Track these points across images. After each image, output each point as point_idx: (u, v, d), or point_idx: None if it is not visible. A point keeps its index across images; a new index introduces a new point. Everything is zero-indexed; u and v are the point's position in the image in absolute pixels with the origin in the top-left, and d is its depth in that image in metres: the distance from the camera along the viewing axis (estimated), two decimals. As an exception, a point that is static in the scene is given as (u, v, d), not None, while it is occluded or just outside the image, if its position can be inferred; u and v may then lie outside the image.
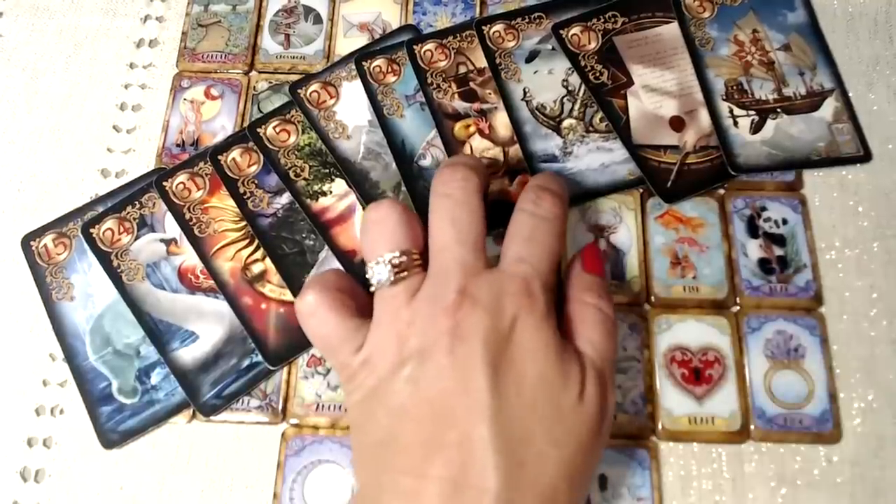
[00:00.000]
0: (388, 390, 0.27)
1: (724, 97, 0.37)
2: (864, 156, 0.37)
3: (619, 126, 0.37)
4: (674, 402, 0.33)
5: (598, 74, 0.38)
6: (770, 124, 0.37)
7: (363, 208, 0.36)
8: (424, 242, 0.30)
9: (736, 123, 0.37)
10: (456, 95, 0.38)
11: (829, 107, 0.37)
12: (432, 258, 0.29)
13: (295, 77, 0.39)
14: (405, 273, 0.28)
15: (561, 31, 0.39)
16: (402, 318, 0.28)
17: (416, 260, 0.29)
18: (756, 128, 0.37)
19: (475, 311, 0.27)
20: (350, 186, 0.36)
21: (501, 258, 0.29)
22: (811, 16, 0.39)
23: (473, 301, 0.27)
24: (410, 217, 0.29)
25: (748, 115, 0.37)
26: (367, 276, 0.29)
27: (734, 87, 0.38)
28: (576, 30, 0.39)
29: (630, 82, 0.38)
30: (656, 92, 0.37)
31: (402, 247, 0.29)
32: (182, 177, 0.37)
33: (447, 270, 0.28)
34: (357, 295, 0.30)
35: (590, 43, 0.38)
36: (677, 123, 0.37)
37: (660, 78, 0.38)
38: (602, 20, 0.39)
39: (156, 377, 0.34)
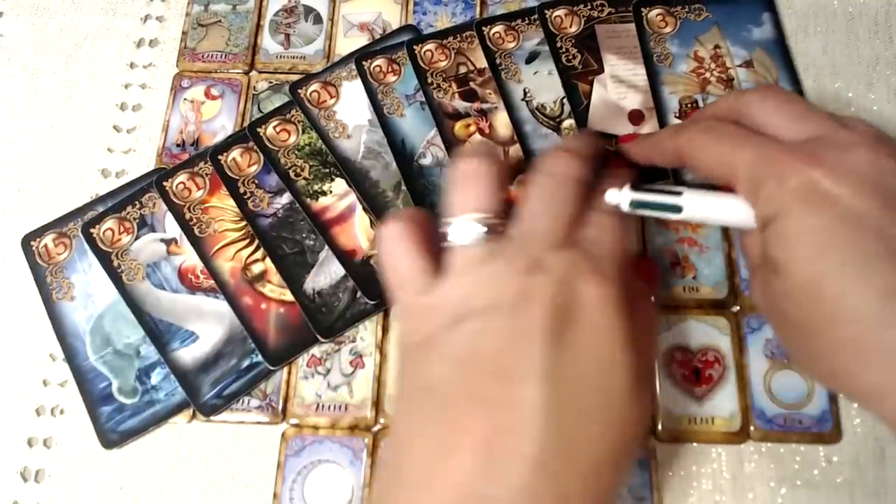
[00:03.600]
0: (446, 339, 0.27)
1: (678, 115, 0.37)
2: None
3: (578, 110, 0.37)
4: (674, 402, 0.33)
5: (570, 57, 0.38)
6: None
7: (363, 208, 0.36)
8: (506, 207, 0.30)
9: None
10: (456, 95, 0.38)
11: None
12: (518, 223, 0.29)
13: (295, 77, 0.39)
14: (488, 234, 0.28)
15: (546, 11, 0.39)
16: (475, 274, 0.28)
17: (500, 223, 0.29)
18: None
19: (547, 280, 0.27)
20: (350, 186, 0.36)
21: (578, 239, 0.29)
22: (778, 30, 0.39)
23: (547, 270, 0.27)
24: (503, 178, 0.29)
25: None
26: (447, 228, 0.29)
27: (689, 105, 0.37)
28: (560, 11, 0.39)
29: (600, 70, 0.38)
30: (623, 84, 0.37)
31: (491, 207, 0.28)
32: (182, 177, 0.37)
33: (528, 237, 0.28)
34: (435, 241, 0.30)
35: (571, 26, 0.39)
36: (637, 117, 0.37)
37: (631, 71, 0.38)
38: (589, 7, 0.39)
39: (156, 377, 0.34)
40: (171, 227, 0.36)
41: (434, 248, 0.30)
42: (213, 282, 0.35)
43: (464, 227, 0.28)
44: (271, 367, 0.34)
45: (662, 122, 0.37)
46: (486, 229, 0.28)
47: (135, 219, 0.36)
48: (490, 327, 0.26)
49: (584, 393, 0.26)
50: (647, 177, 0.31)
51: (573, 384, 0.26)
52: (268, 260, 0.35)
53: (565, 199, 0.29)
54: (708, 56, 0.38)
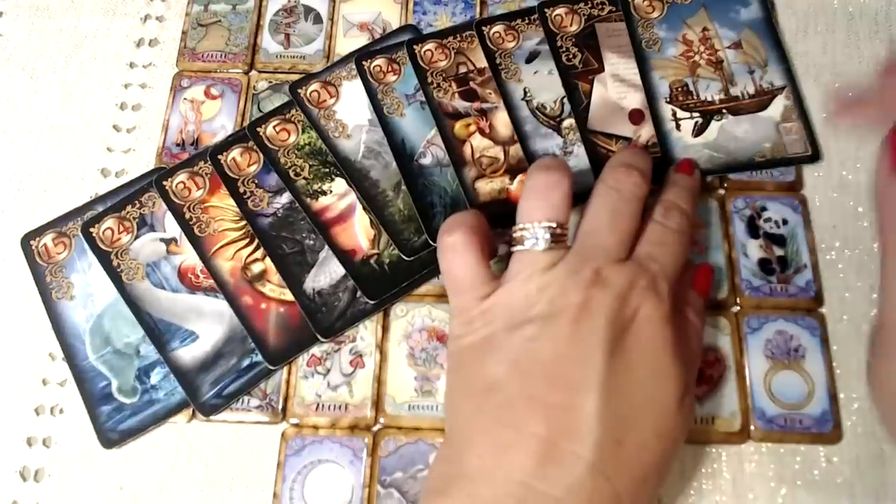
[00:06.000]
0: (504, 343, 0.28)
1: (668, 100, 0.37)
2: (812, 156, 0.36)
3: (578, 110, 0.37)
4: (674, 401, 0.33)
5: (570, 57, 0.38)
6: (714, 126, 0.37)
7: (363, 207, 0.36)
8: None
9: (678, 126, 0.37)
10: (456, 95, 0.38)
11: (779, 105, 0.37)
12: (580, 236, 0.30)
13: (295, 76, 0.39)
14: (555, 244, 0.29)
15: (546, 10, 0.39)
16: (537, 282, 0.28)
17: (565, 233, 0.30)
18: (699, 130, 0.37)
19: (606, 293, 0.28)
20: (350, 185, 0.36)
21: (633, 256, 0.30)
22: (766, 10, 0.39)
23: (606, 283, 0.28)
24: (572, 191, 0.30)
25: (692, 118, 0.37)
26: (519, 233, 0.30)
27: (679, 89, 0.37)
28: (561, 10, 0.39)
29: (601, 69, 0.38)
30: (624, 83, 0.37)
31: (560, 219, 0.29)
32: (182, 176, 0.37)
33: (590, 250, 0.29)
34: (490, 245, 0.31)
35: (571, 25, 0.38)
36: (637, 116, 0.37)
37: (631, 70, 0.38)
38: (589, 5, 0.39)
39: (155, 377, 0.34)
40: (171, 227, 0.36)
41: (489, 251, 0.31)
42: (212, 281, 0.35)
43: (537, 234, 0.29)
44: (271, 367, 0.34)
45: (654, 110, 0.37)
46: (553, 237, 0.29)
47: (134, 218, 0.36)
48: (550, 333, 0.27)
49: (636, 403, 0.27)
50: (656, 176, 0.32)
51: (627, 394, 0.27)
52: (267, 259, 0.35)
53: (629, 216, 0.30)
54: (696, 39, 0.38)
